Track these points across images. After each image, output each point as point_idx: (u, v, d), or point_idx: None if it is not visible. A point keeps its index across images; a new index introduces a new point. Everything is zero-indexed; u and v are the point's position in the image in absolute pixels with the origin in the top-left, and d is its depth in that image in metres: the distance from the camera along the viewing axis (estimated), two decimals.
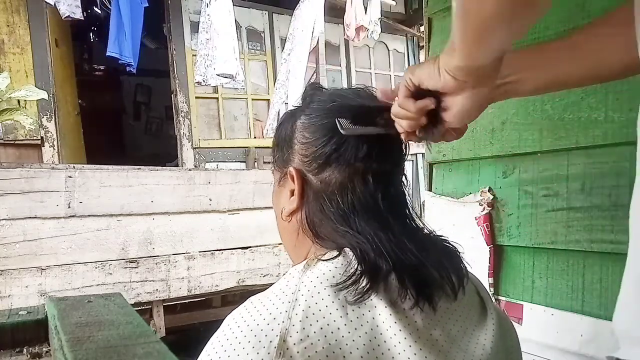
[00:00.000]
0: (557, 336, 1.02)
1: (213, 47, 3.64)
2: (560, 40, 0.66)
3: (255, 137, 4.86)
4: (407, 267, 0.53)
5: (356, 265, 0.52)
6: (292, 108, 0.67)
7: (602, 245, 0.96)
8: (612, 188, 0.95)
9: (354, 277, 0.51)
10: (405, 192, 0.62)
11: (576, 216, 1.01)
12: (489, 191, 1.22)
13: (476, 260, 1.21)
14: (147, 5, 3.78)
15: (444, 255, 0.58)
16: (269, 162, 4.69)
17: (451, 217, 1.31)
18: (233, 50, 3.71)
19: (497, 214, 1.20)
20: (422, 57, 5.81)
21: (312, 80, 4.97)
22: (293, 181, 0.60)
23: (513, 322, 0.67)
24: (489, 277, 1.19)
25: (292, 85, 4.08)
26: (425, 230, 0.61)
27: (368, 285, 0.50)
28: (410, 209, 0.61)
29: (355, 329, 0.48)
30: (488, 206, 1.21)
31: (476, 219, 1.23)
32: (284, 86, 4.07)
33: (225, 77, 3.74)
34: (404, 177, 0.63)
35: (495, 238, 1.20)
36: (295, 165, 0.61)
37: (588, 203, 0.99)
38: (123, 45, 3.64)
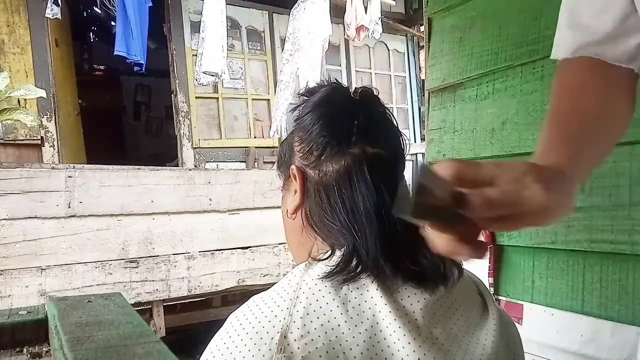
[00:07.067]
0: (557, 336, 1.02)
1: (203, 45, 3.64)
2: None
3: (255, 137, 4.86)
4: (398, 254, 0.54)
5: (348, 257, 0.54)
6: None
7: (602, 245, 0.96)
8: (612, 188, 0.95)
9: (344, 263, 0.52)
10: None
11: (576, 216, 1.01)
12: None
13: (476, 260, 1.21)
14: (151, 4, 3.78)
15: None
16: (269, 162, 4.69)
17: None
18: (221, 49, 3.68)
19: None
20: (422, 57, 5.81)
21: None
22: (295, 179, 0.61)
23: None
24: (489, 277, 1.19)
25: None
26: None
27: (359, 266, 0.52)
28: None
29: (356, 325, 0.48)
30: None
31: None
32: (288, 87, 4.03)
33: (211, 75, 3.72)
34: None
35: (496, 238, 1.20)
36: (295, 163, 0.62)
37: (588, 203, 0.98)
38: (130, 44, 3.61)
